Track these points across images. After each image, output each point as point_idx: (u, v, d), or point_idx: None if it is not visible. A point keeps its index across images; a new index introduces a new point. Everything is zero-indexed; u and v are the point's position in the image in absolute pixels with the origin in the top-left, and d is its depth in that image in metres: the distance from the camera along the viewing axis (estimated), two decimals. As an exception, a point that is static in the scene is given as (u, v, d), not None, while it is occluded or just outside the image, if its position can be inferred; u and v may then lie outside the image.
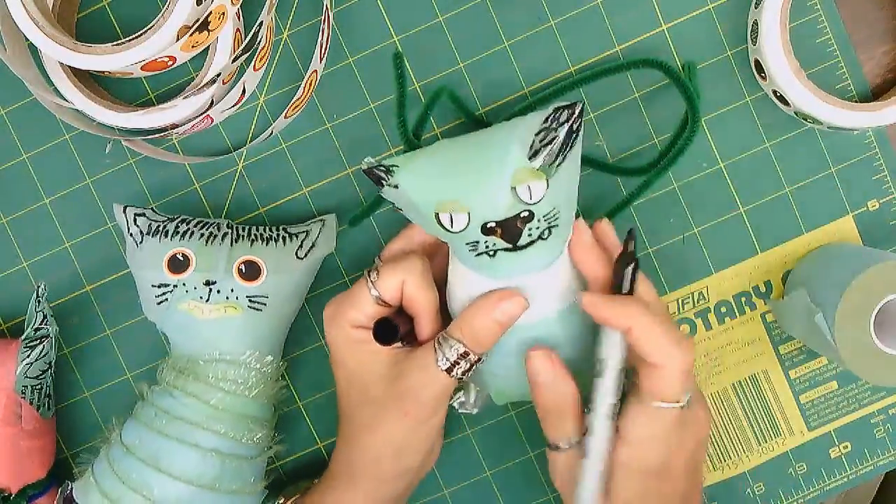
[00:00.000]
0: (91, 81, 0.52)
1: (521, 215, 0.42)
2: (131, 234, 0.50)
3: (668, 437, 0.43)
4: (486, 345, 0.44)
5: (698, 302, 0.54)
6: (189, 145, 0.53)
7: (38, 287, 0.49)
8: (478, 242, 0.43)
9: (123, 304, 0.54)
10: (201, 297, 0.48)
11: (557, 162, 0.42)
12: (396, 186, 0.43)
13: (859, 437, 0.54)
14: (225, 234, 0.49)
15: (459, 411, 0.51)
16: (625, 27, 0.51)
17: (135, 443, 0.48)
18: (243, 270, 0.48)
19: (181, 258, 0.48)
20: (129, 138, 0.51)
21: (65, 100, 0.50)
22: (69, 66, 0.49)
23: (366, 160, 0.44)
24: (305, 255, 0.49)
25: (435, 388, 0.44)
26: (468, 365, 0.44)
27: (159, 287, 0.48)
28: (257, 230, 0.50)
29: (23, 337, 0.50)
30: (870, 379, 0.46)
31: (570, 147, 0.42)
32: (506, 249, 0.43)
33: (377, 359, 0.46)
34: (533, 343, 0.44)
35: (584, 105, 0.43)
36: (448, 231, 0.43)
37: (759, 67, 0.50)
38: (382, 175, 0.44)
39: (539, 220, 0.42)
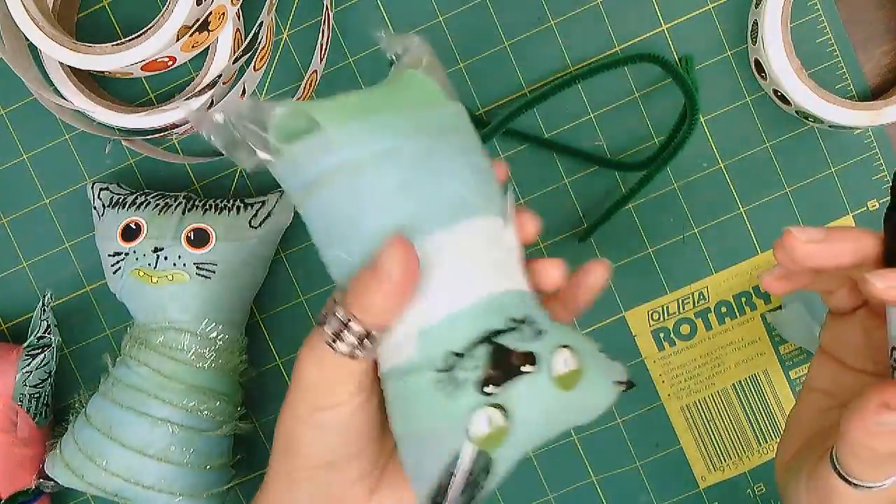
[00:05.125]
0: (91, 81, 0.52)
1: None
2: (95, 209, 0.51)
3: None
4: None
5: (698, 302, 0.54)
6: (189, 145, 0.53)
7: (45, 296, 0.49)
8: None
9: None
10: (150, 265, 0.48)
11: None
12: None
13: (859, 437, 0.54)
14: (179, 204, 0.49)
15: None
16: (625, 27, 0.51)
17: (93, 413, 0.48)
18: (192, 238, 0.48)
19: (133, 227, 0.48)
20: (129, 138, 0.51)
21: (65, 100, 0.50)
22: (69, 66, 0.49)
23: None
24: (260, 224, 0.49)
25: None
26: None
27: (114, 256, 0.49)
28: (214, 201, 0.50)
29: (25, 344, 0.50)
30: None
31: None
32: None
33: None
34: None
35: None
36: None
37: (759, 67, 0.50)
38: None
39: None
